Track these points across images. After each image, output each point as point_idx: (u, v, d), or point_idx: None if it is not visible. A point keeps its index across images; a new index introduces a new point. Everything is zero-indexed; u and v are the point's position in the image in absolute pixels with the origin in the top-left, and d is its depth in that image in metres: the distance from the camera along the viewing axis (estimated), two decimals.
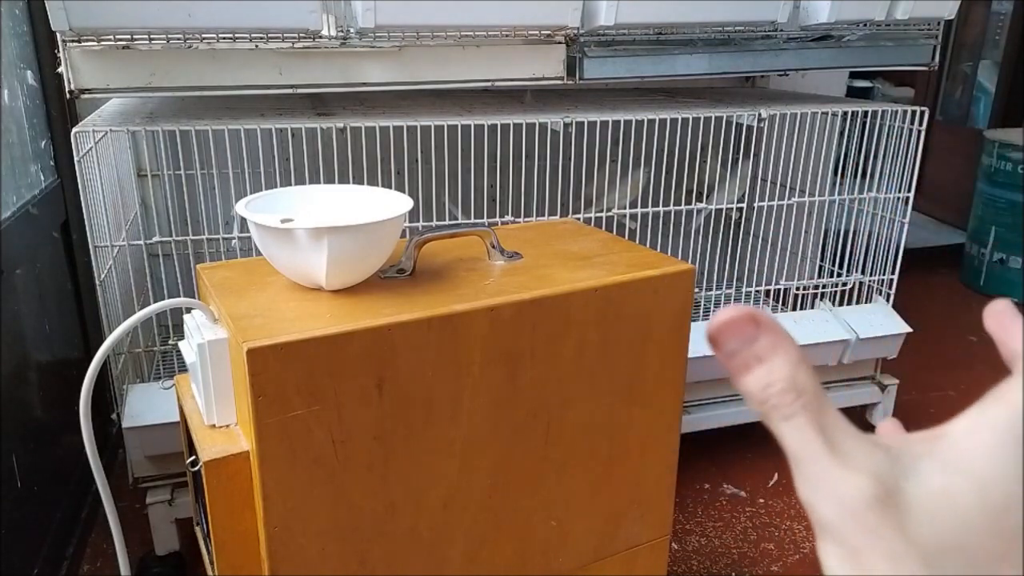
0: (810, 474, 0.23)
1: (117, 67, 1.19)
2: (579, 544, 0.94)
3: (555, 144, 1.67)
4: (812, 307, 1.74)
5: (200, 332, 0.77)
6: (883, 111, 1.65)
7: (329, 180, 1.31)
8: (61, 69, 1.17)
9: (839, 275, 1.77)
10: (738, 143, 1.81)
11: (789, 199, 1.68)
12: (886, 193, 1.69)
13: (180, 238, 1.33)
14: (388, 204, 0.84)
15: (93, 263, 1.24)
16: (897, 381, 1.80)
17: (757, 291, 1.77)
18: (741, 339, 0.24)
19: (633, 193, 1.68)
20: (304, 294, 0.81)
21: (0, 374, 1.15)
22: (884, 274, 1.73)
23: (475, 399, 0.81)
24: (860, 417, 1.83)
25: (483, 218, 1.55)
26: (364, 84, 1.30)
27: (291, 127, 1.31)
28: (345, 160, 1.31)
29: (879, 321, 1.70)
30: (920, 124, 1.60)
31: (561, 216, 1.48)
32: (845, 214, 1.71)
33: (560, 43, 1.38)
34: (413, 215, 1.18)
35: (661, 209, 1.56)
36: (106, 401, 1.44)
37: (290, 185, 1.09)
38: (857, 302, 1.76)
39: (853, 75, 2.99)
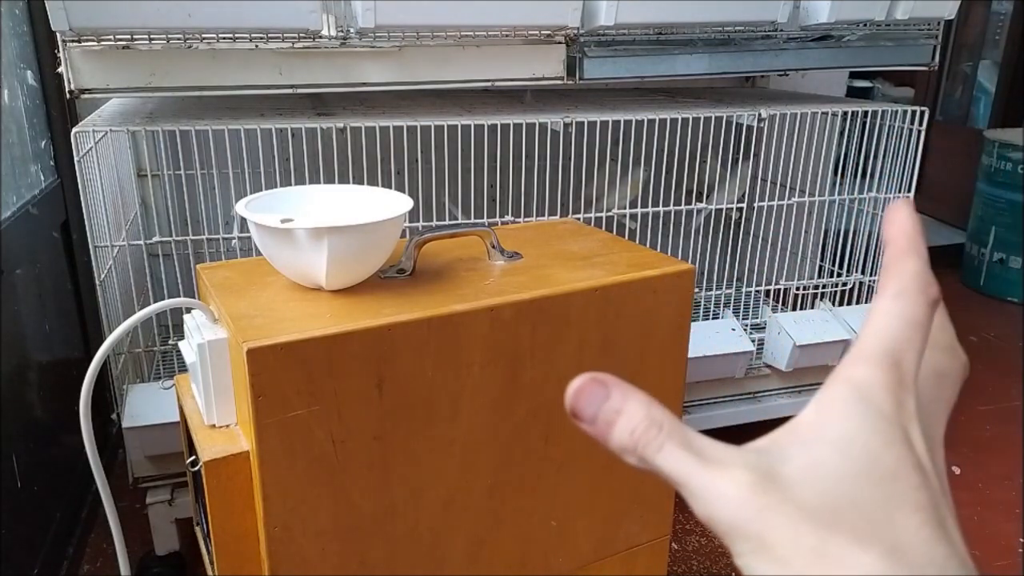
0: (694, 489, 0.24)
1: (117, 67, 1.19)
2: (579, 544, 0.94)
3: (555, 144, 1.67)
4: (812, 307, 1.74)
5: (200, 332, 0.77)
6: (883, 111, 1.65)
7: (329, 180, 1.31)
8: (61, 69, 1.17)
9: (839, 275, 1.77)
10: (738, 143, 1.81)
11: (789, 199, 1.68)
12: (886, 193, 1.69)
13: (180, 238, 1.33)
14: (388, 204, 0.84)
15: (93, 263, 1.24)
16: None
17: (757, 291, 1.77)
18: (596, 400, 0.26)
19: (633, 192, 1.68)
20: (304, 294, 0.81)
21: (0, 374, 1.15)
22: None
23: (475, 399, 0.81)
24: None
25: (483, 218, 1.55)
26: (364, 84, 1.30)
27: (291, 127, 1.31)
28: (345, 160, 1.31)
29: None
30: (920, 124, 1.60)
31: (561, 216, 1.48)
32: (845, 214, 1.71)
33: (560, 43, 1.38)
34: (413, 215, 1.18)
35: (661, 209, 1.56)
36: (106, 401, 1.44)
37: (290, 185, 1.09)
38: (857, 302, 1.76)
39: (853, 75, 2.99)
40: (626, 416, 0.25)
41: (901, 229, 0.28)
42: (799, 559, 0.22)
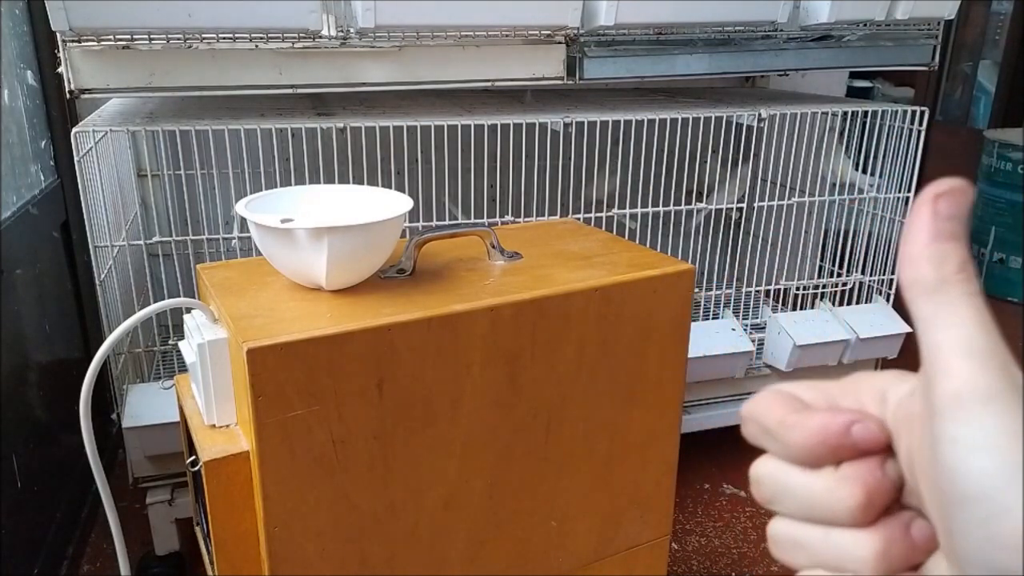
0: (985, 347, 0.22)
1: (117, 67, 1.19)
2: (579, 544, 0.94)
3: (555, 144, 1.67)
4: (812, 307, 1.74)
5: (200, 332, 0.77)
6: (883, 111, 1.65)
7: (329, 180, 1.31)
8: (61, 69, 1.17)
9: (839, 275, 1.77)
10: (738, 143, 1.81)
11: (789, 199, 1.68)
12: (886, 193, 1.69)
13: (180, 238, 1.33)
14: (388, 204, 0.84)
15: (93, 263, 1.24)
16: None
17: (757, 291, 1.77)
18: (963, 208, 0.23)
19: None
20: (304, 294, 0.81)
21: (0, 374, 1.15)
22: (884, 274, 1.73)
23: (475, 399, 0.81)
24: None
25: (483, 218, 1.55)
26: (364, 84, 1.30)
27: (291, 127, 1.31)
28: (345, 160, 1.31)
29: (879, 321, 1.70)
30: (920, 124, 1.60)
31: (561, 216, 1.48)
32: (845, 214, 1.71)
33: (560, 43, 1.38)
34: (413, 215, 1.18)
35: (661, 209, 1.56)
36: (106, 401, 1.44)
37: (290, 185, 1.09)
38: (857, 302, 1.76)
39: (853, 75, 2.99)
40: (966, 249, 0.23)
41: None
42: None
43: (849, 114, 1.66)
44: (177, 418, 0.90)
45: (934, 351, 0.22)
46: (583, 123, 1.42)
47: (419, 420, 0.78)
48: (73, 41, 1.15)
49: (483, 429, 0.82)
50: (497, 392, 0.82)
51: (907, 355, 1.78)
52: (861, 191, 1.70)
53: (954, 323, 0.22)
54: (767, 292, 1.76)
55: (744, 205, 1.69)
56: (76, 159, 1.20)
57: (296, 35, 1.22)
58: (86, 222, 1.22)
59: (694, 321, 1.43)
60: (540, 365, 0.83)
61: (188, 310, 0.82)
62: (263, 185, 1.60)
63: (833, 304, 1.73)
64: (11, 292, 1.20)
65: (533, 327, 0.81)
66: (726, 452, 1.78)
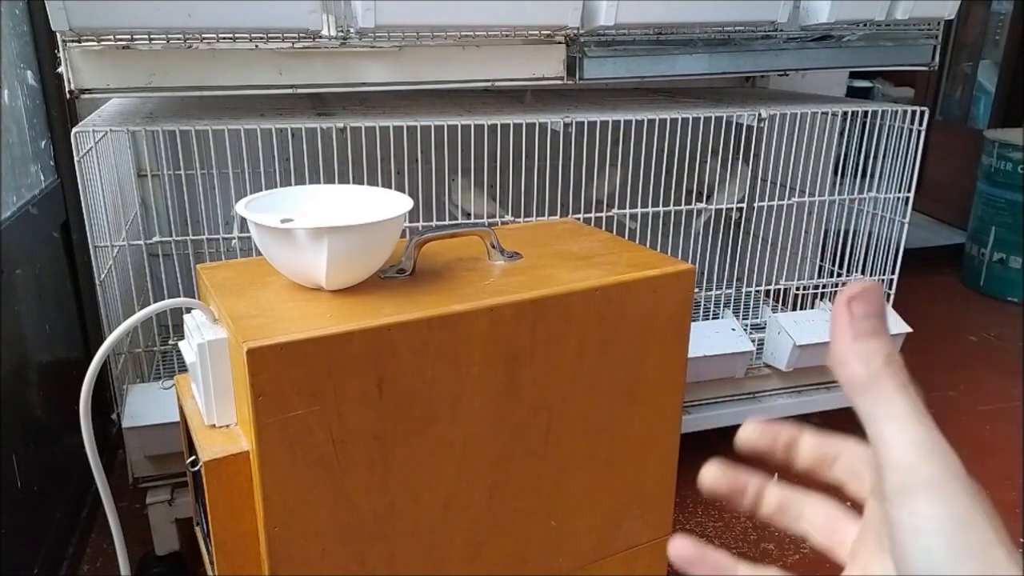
0: (919, 436, 0.23)
1: (117, 67, 1.19)
2: (579, 544, 0.94)
3: (555, 144, 1.67)
4: (812, 307, 1.74)
5: (200, 332, 0.77)
6: (883, 111, 1.65)
7: (329, 180, 1.31)
8: (61, 69, 1.17)
9: (839, 275, 1.77)
10: (738, 143, 1.81)
11: (789, 199, 1.68)
12: (886, 193, 1.69)
13: (180, 238, 1.33)
14: (388, 204, 0.84)
15: (93, 263, 1.24)
16: None
17: (757, 291, 1.77)
18: (877, 307, 0.25)
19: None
20: (304, 294, 0.81)
21: (0, 374, 1.15)
22: (884, 274, 1.73)
23: (475, 399, 0.81)
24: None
25: (483, 218, 1.55)
26: (364, 84, 1.30)
27: (291, 127, 1.31)
28: (345, 160, 1.31)
29: None
30: (920, 124, 1.60)
31: (561, 216, 1.48)
32: (845, 214, 1.71)
33: (560, 43, 1.38)
34: (413, 215, 1.18)
35: (661, 209, 1.56)
36: (106, 401, 1.44)
37: (290, 185, 1.09)
38: None
39: (853, 75, 3.00)
40: (889, 340, 0.25)
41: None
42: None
43: (849, 114, 1.66)
44: (177, 418, 0.90)
45: (878, 444, 0.24)
46: (583, 123, 1.42)
47: (419, 420, 0.78)
48: (73, 41, 1.15)
49: (483, 429, 0.82)
50: (497, 392, 0.82)
51: (907, 354, 1.77)
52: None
53: (892, 417, 0.24)
54: (767, 292, 1.76)
55: (744, 205, 1.69)
56: (76, 159, 1.20)
57: (296, 35, 1.22)
58: (86, 222, 1.22)
59: (694, 321, 1.43)
60: (540, 365, 0.83)
61: (188, 310, 0.82)
62: (263, 185, 1.60)
63: (833, 304, 1.73)
64: (11, 292, 1.20)
65: (533, 327, 0.81)
66: (726, 452, 1.78)
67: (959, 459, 0.23)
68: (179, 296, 0.82)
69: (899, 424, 0.23)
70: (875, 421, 0.24)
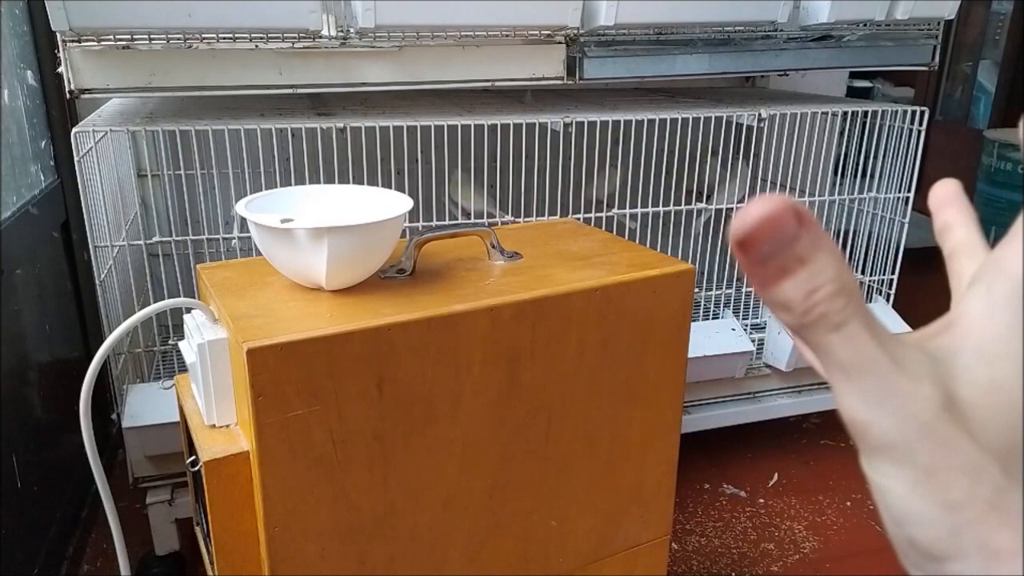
0: (869, 388, 0.20)
1: (117, 67, 1.19)
2: (579, 544, 0.94)
3: (555, 144, 1.67)
4: None
5: (200, 332, 0.77)
6: (883, 111, 1.64)
7: (329, 180, 1.31)
8: (61, 69, 1.17)
9: None
10: (738, 143, 1.81)
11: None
12: (886, 193, 1.69)
13: (180, 238, 1.33)
14: (388, 204, 0.84)
15: (93, 263, 1.24)
16: None
17: None
18: (780, 239, 0.19)
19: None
20: (304, 294, 0.81)
21: (0, 374, 1.15)
22: (884, 274, 1.73)
23: (475, 399, 0.81)
24: None
25: (483, 218, 1.55)
26: (364, 84, 1.30)
27: (291, 127, 1.31)
28: (345, 160, 1.31)
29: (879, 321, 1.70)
30: (920, 124, 1.60)
31: (561, 216, 1.48)
32: (845, 214, 1.71)
33: (560, 43, 1.38)
34: (413, 215, 1.18)
35: (661, 209, 1.56)
36: (106, 401, 1.44)
37: (290, 185, 1.09)
38: None
39: (853, 75, 2.99)
40: (810, 271, 0.20)
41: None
42: (972, 510, 0.19)
43: (849, 114, 1.66)
44: (177, 418, 0.90)
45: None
46: (583, 123, 1.42)
47: (419, 420, 0.78)
48: (73, 41, 1.15)
49: (483, 429, 0.82)
50: (497, 392, 0.82)
51: None
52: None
53: (833, 367, 0.21)
54: None
55: (744, 205, 1.69)
56: (76, 159, 1.20)
57: (296, 35, 1.22)
58: (86, 222, 1.22)
59: (694, 321, 1.43)
60: (540, 365, 0.83)
61: (188, 310, 0.82)
62: (263, 185, 1.60)
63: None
64: (11, 292, 1.20)
65: (533, 327, 0.81)
66: (726, 452, 1.78)
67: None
68: (179, 296, 0.82)
69: (839, 373, 0.20)
70: (824, 364, 0.21)
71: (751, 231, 0.19)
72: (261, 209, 0.81)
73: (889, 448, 0.20)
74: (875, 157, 1.68)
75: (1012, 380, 0.20)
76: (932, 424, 0.20)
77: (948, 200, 0.28)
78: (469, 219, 1.57)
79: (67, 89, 1.18)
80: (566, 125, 1.41)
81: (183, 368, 0.85)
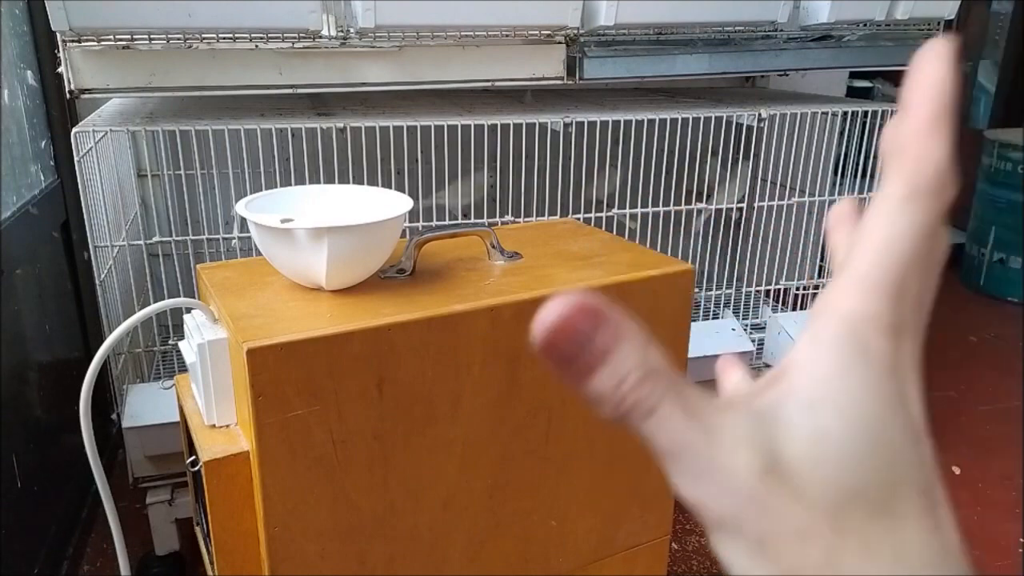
0: (688, 468, 0.20)
1: (117, 67, 1.19)
2: (579, 544, 0.94)
3: (555, 144, 1.67)
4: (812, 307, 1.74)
5: (200, 332, 0.77)
6: (883, 111, 1.64)
7: (329, 180, 1.31)
8: (61, 69, 1.17)
9: None
10: (738, 143, 1.81)
11: (789, 199, 1.68)
12: None
13: (180, 238, 1.33)
14: (388, 204, 0.84)
15: (93, 263, 1.24)
16: None
17: (757, 291, 1.77)
18: (577, 339, 0.19)
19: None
20: (304, 294, 0.81)
21: (0, 374, 1.15)
22: None
23: (475, 399, 0.81)
24: None
25: (483, 218, 1.55)
26: (364, 84, 1.30)
27: (291, 127, 1.31)
28: (345, 160, 1.31)
29: None
30: None
31: (561, 216, 1.48)
32: None
33: (560, 43, 1.38)
34: (413, 215, 1.18)
35: (661, 209, 1.56)
36: (106, 401, 1.44)
37: (290, 185, 1.09)
38: None
39: (853, 75, 2.99)
40: (615, 362, 0.19)
41: (930, 90, 0.21)
42: (804, 570, 0.19)
43: (849, 114, 1.66)
44: (177, 418, 0.90)
45: None
46: (583, 123, 1.42)
47: (419, 420, 0.78)
48: (73, 41, 1.15)
49: (483, 429, 0.82)
50: (497, 392, 0.82)
51: None
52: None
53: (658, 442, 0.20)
54: (767, 292, 1.76)
55: (744, 205, 1.69)
56: (76, 159, 1.19)
57: (296, 35, 1.22)
58: (86, 222, 1.22)
59: (694, 321, 1.43)
60: (540, 365, 0.83)
61: (188, 310, 0.82)
62: (263, 185, 1.60)
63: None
64: (11, 292, 1.20)
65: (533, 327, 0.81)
66: None
67: None
68: (179, 296, 0.82)
69: (664, 461, 0.20)
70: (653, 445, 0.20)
71: (548, 337, 0.19)
72: (261, 209, 0.81)
73: (721, 522, 0.20)
74: (875, 157, 1.67)
75: (837, 426, 0.19)
76: (753, 494, 0.19)
77: (836, 223, 0.27)
78: (468, 218, 1.57)
79: (67, 89, 1.18)
80: (566, 125, 1.41)
81: (183, 368, 0.85)
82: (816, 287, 1.75)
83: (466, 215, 1.63)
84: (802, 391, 0.20)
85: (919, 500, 0.19)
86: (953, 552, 0.20)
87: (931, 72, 0.21)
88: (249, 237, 1.24)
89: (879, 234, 0.20)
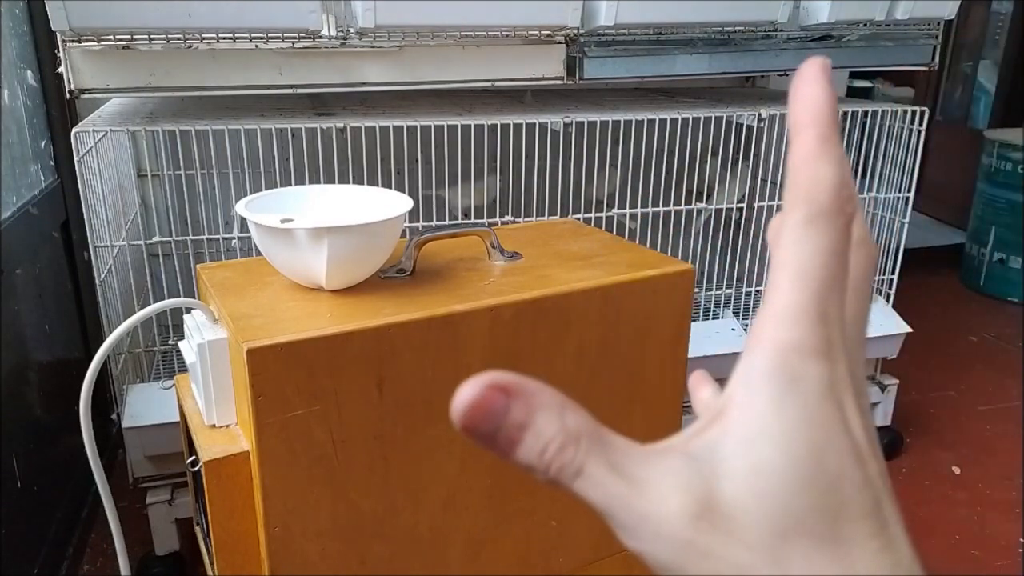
0: (622, 522, 0.20)
1: (117, 67, 1.19)
2: (579, 544, 0.94)
3: (555, 144, 1.67)
4: None
5: (200, 332, 0.77)
6: (883, 111, 1.64)
7: (329, 180, 1.31)
8: (61, 69, 1.17)
9: None
10: (738, 143, 1.81)
11: None
12: (886, 193, 1.69)
13: (180, 238, 1.33)
14: (388, 204, 0.84)
15: (93, 263, 1.24)
16: (897, 381, 1.80)
17: (757, 291, 1.77)
18: (493, 418, 0.20)
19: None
20: (304, 294, 0.81)
21: (0, 374, 1.15)
22: (884, 274, 1.73)
23: None
24: None
25: (483, 218, 1.55)
26: (364, 84, 1.30)
27: (291, 127, 1.31)
28: (345, 160, 1.31)
29: (879, 321, 1.70)
30: (920, 124, 1.60)
31: (561, 216, 1.48)
32: None
33: (560, 43, 1.38)
34: (413, 215, 1.18)
35: (661, 209, 1.55)
36: (106, 401, 1.44)
37: (290, 185, 1.09)
38: None
39: (853, 75, 3.00)
40: (533, 432, 0.20)
41: (812, 112, 0.21)
42: None
43: (849, 114, 1.66)
44: (177, 418, 0.90)
45: None
46: (583, 123, 1.42)
47: (419, 420, 0.78)
48: (73, 41, 1.15)
49: None
50: None
51: (906, 354, 1.78)
52: None
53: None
54: None
55: (744, 205, 1.69)
56: (76, 159, 1.19)
57: (296, 35, 1.22)
58: (86, 222, 1.22)
59: (694, 321, 1.43)
60: (540, 365, 0.83)
61: (188, 310, 0.82)
62: (263, 185, 1.60)
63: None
64: (11, 292, 1.20)
65: (533, 327, 0.81)
66: None
67: None
68: (179, 296, 0.82)
69: (603, 517, 0.21)
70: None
71: (465, 420, 0.20)
72: (261, 209, 0.81)
73: (663, 570, 0.20)
74: (875, 157, 1.68)
75: (772, 460, 0.19)
76: (687, 539, 0.19)
77: (698, 385, 0.29)
78: (468, 218, 1.57)
79: (67, 89, 1.18)
80: (566, 125, 1.41)
81: (183, 368, 0.85)
82: None
83: (466, 215, 1.63)
84: (738, 429, 0.20)
85: (865, 523, 0.19)
86: (907, 568, 0.20)
87: (810, 94, 0.21)
88: (249, 237, 1.24)
89: (789, 263, 0.20)
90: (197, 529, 0.94)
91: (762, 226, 1.77)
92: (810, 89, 0.21)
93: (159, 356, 1.52)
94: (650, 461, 0.21)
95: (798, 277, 0.20)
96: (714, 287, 1.88)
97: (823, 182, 0.20)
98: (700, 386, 0.32)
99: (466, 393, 0.20)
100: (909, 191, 1.67)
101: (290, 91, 1.27)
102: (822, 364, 0.20)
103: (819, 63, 0.22)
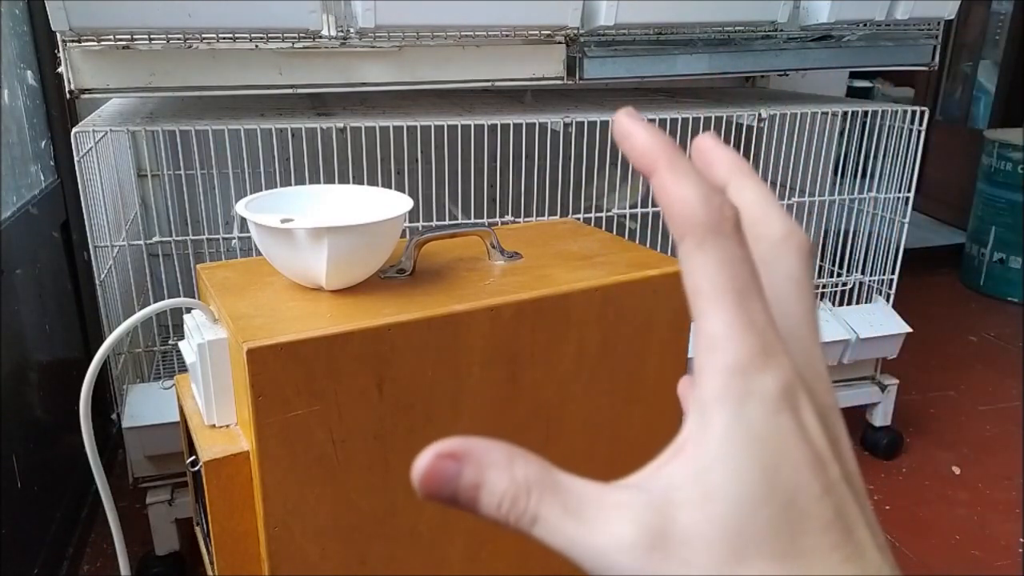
0: (581, 559, 0.21)
1: (117, 67, 1.19)
2: None
3: (555, 144, 1.67)
4: None
5: (200, 332, 0.77)
6: (883, 111, 1.64)
7: (329, 180, 1.31)
8: (61, 69, 1.17)
9: (839, 275, 1.77)
10: (738, 143, 1.81)
11: (789, 199, 1.68)
12: (886, 193, 1.69)
13: (180, 238, 1.33)
14: (388, 204, 0.84)
15: (93, 263, 1.24)
16: (897, 381, 1.80)
17: None
18: (447, 484, 0.22)
19: (633, 197, 1.68)
20: (304, 294, 0.81)
21: (0, 374, 1.15)
22: (884, 274, 1.73)
23: (475, 399, 0.81)
24: (860, 417, 1.83)
25: (483, 218, 1.55)
26: (364, 84, 1.30)
27: (291, 127, 1.31)
28: (345, 160, 1.31)
29: (879, 321, 1.70)
30: (920, 124, 1.60)
31: (561, 216, 1.48)
32: (845, 214, 1.71)
33: (560, 43, 1.38)
34: (413, 215, 1.18)
35: (661, 209, 1.55)
36: (106, 401, 1.44)
37: (290, 185, 1.09)
38: (857, 302, 1.75)
39: (853, 75, 2.99)
40: (487, 490, 0.21)
41: (647, 150, 0.22)
42: None
43: (849, 114, 1.66)
44: (177, 418, 0.90)
45: None
46: (583, 123, 1.42)
47: (419, 420, 0.78)
48: (73, 41, 1.15)
49: (483, 429, 0.82)
50: (497, 392, 0.82)
51: (906, 354, 1.78)
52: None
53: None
54: None
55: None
56: (76, 159, 1.20)
57: (296, 35, 1.22)
58: (86, 222, 1.22)
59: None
60: (540, 365, 0.83)
61: (188, 310, 0.82)
62: (263, 185, 1.60)
63: (833, 304, 1.73)
64: (11, 292, 1.20)
65: (533, 327, 0.81)
66: None
67: None
68: (179, 296, 0.82)
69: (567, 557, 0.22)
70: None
71: (424, 488, 0.22)
72: (261, 209, 0.81)
73: None
74: (875, 157, 1.68)
75: (723, 485, 0.20)
76: (642, 569, 0.20)
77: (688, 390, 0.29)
78: (467, 218, 1.57)
79: (67, 89, 1.18)
80: (566, 125, 1.41)
81: (183, 368, 0.85)
82: (816, 287, 1.75)
83: (466, 215, 1.63)
84: (691, 461, 0.21)
85: (826, 535, 0.20)
86: (876, 572, 0.20)
87: (637, 138, 0.22)
88: (249, 237, 1.24)
89: (700, 288, 0.21)
90: (197, 529, 0.94)
91: None
92: (637, 128, 0.22)
93: (159, 356, 1.52)
94: (604, 498, 0.21)
95: (713, 297, 0.20)
96: None
97: (689, 201, 0.21)
98: (688, 393, 0.32)
99: (420, 464, 0.22)
100: (909, 191, 1.67)
101: (290, 91, 1.27)
102: (765, 374, 0.20)
103: (625, 111, 0.23)
